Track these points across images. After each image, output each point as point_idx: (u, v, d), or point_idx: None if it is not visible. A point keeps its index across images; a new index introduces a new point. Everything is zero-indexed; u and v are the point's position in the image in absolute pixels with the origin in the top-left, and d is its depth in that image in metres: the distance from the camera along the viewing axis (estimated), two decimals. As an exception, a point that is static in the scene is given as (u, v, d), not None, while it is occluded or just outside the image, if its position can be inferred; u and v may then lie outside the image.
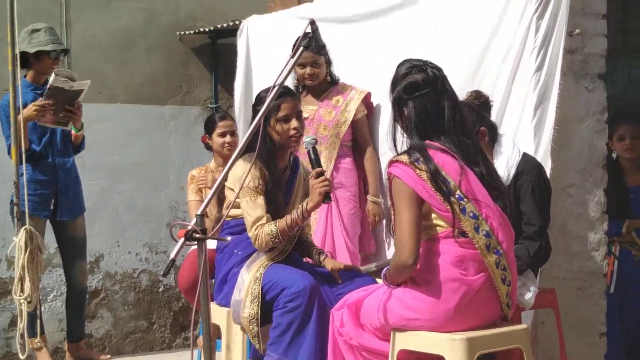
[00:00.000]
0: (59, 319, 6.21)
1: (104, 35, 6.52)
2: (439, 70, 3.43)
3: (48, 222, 5.39)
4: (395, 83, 3.44)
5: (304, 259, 4.19)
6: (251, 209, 3.90)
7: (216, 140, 5.20)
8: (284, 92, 3.92)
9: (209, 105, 6.92)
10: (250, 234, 3.90)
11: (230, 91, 6.36)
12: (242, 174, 3.86)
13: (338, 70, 5.04)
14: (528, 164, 3.95)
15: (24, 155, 4.70)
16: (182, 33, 6.79)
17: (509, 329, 3.39)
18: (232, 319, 3.96)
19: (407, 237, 3.23)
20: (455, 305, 3.23)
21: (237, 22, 6.16)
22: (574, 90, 4.32)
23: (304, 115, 4.56)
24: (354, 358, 3.48)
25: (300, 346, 3.71)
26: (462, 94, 4.11)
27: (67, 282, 5.58)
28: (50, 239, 5.46)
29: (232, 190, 3.98)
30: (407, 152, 3.33)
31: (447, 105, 3.37)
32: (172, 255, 2.77)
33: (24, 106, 4.97)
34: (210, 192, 3.00)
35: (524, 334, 3.42)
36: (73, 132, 5.33)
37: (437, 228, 3.30)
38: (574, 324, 4.30)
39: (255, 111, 4.07)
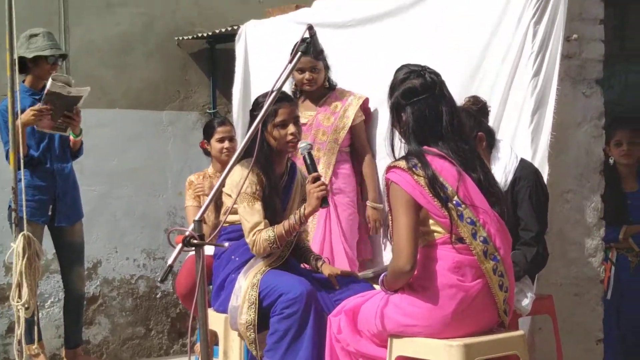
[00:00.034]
0: (56, 325, 6.20)
1: (102, 40, 6.52)
2: (437, 75, 3.43)
3: (46, 227, 5.37)
4: (393, 88, 3.44)
5: (302, 265, 4.19)
6: (249, 215, 3.90)
7: (215, 145, 5.19)
8: (281, 98, 3.93)
9: (207, 111, 6.92)
10: (248, 240, 3.90)
11: (228, 96, 6.36)
12: (239, 179, 3.87)
13: (335, 75, 5.05)
14: (525, 169, 3.95)
15: (22, 161, 4.69)
16: (181, 38, 6.79)
17: (506, 335, 3.39)
18: (230, 325, 3.96)
19: (405, 243, 3.23)
20: (452, 311, 3.23)
21: (235, 28, 6.16)
22: (571, 95, 4.33)
23: (302, 120, 4.57)
24: (351, 364, 3.48)
25: (297, 352, 3.71)
26: (461, 94, 4.12)
27: (65, 288, 5.56)
28: (48, 245, 5.44)
29: (230, 196, 3.98)
30: (405, 157, 3.33)
31: (445, 111, 3.37)
32: (169, 261, 2.77)
33: (22, 111, 4.96)
34: (207, 198, 3.00)
35: (521, 340, 3.42)
36: (71, 137, 5.33)
37: (435, 234, 3.30)
38: (571, 330, 4.30)
39: (252, 116, 4.07)
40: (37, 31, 5.27)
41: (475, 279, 3.26)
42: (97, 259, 6.43)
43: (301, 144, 3.93)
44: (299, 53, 3.22)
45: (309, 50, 3.32)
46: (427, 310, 3.25)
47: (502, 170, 3.92)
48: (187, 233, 2.84)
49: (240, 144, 3.39)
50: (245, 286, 3.86)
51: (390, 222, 3.36)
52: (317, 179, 3.82)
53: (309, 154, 3.89)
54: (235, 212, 3.95)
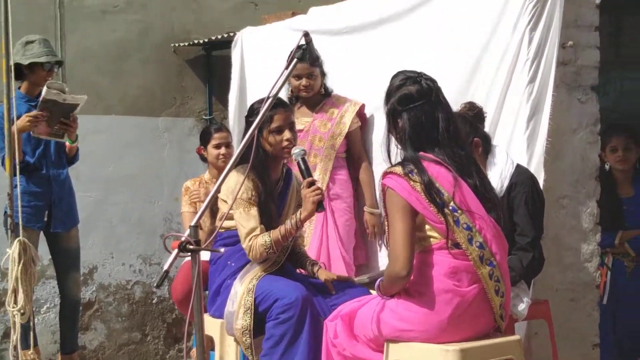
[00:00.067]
0: (52, 330, 6.20)
1: (98, 47, 6.53)
2: (433, 82, 3.43)
3: (42, 233, 5.38)
4: (389, 94, 3.45)
5: (298, 270, 4.19)
6: (245, 220, 3.90)
7: (211, 151, 5.20)
8: (276, 104, 3.93)
9: (203, 117, 6.93)
10: (244, 245, 3.91)
11: (224, 103, 6.37)
12: (234, 185, 3.87)
13: (331, 82, 5.06)
14: (521, 175, 3.96)
15: (17, 167, 4.69)
16: (177, 45, 6.80)
17: (502, 340, 3.39)
18: (226, 331, 3.96)
19: (401, 249, 3.24)
20: (448, 316, 3.23)
21: (231, 34, 6.18)
22: (566, 102, 4.34)
23: (299, 127, 4.58)
24: (348, 369, 3.48)
25: (293, 357, 3.70)
26: (458, 100, 4.13)
27: (61, 293, 5.56)
28: (43, 251, 5.44)
29: (225, 202, 3.98)
30: (401, 163, 3.34)
31: (441, 117, 3.37)
32: (165, 267, 2.77)
33: (18, 118, 4.97)
34: (203, 204, 3.01)
35: (517, 345, 3.43)
36: (67, 143, 5.33)
37: (431, 239, 3.30)
38: (567, 335, 4.31)
39: (248, 122, 4.08)
40: (33, 38, 5.28)
41: (472, 284, 3.26)
42: (93, 265, 6.43)
43: (294, 150, 3.93)
44: (295, 59, 3.23)
45: (305, 56, 3.33)
46: (423, 315, 3.26)
47: (498, 175, 3.92)
48: (183, 239, 2.85)
49: (236, 150, 3.39)
50: (241, 291, 3.86)
51: (386, 227, 3.36)
52: (312, 183, 3.83)
53: (303, 159, 3.90)
54: (231, 218, 3.95)
